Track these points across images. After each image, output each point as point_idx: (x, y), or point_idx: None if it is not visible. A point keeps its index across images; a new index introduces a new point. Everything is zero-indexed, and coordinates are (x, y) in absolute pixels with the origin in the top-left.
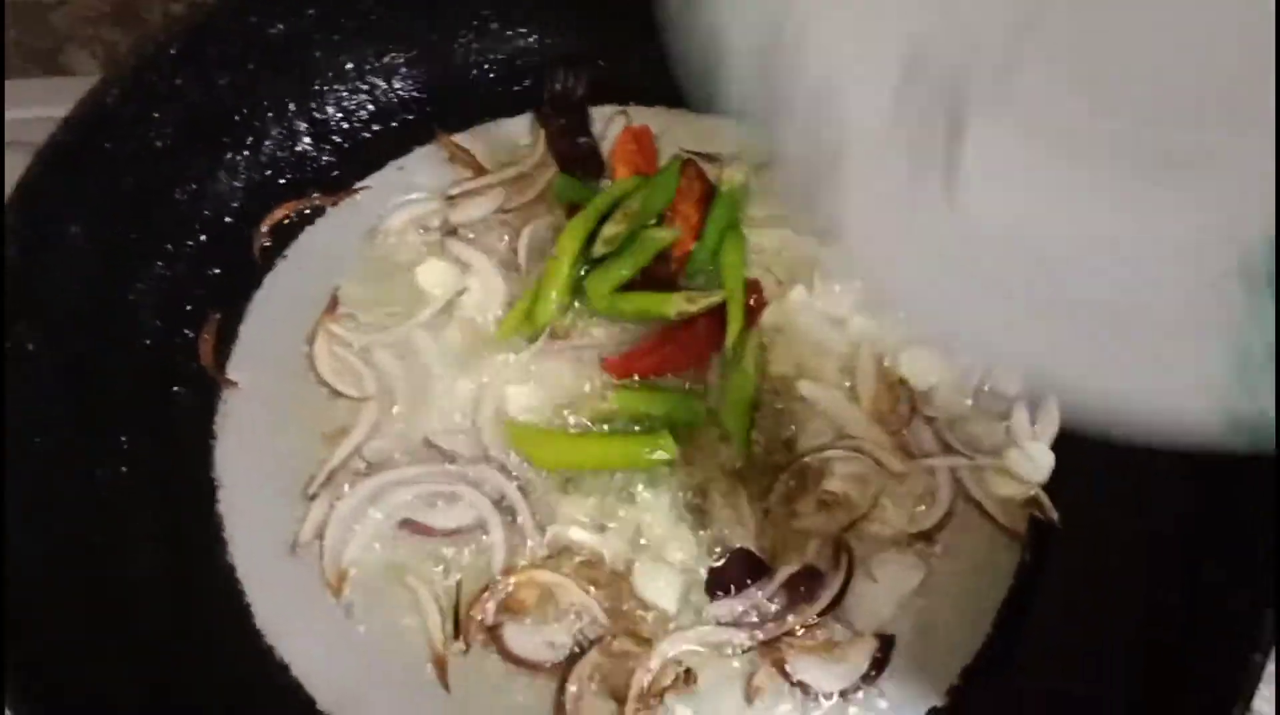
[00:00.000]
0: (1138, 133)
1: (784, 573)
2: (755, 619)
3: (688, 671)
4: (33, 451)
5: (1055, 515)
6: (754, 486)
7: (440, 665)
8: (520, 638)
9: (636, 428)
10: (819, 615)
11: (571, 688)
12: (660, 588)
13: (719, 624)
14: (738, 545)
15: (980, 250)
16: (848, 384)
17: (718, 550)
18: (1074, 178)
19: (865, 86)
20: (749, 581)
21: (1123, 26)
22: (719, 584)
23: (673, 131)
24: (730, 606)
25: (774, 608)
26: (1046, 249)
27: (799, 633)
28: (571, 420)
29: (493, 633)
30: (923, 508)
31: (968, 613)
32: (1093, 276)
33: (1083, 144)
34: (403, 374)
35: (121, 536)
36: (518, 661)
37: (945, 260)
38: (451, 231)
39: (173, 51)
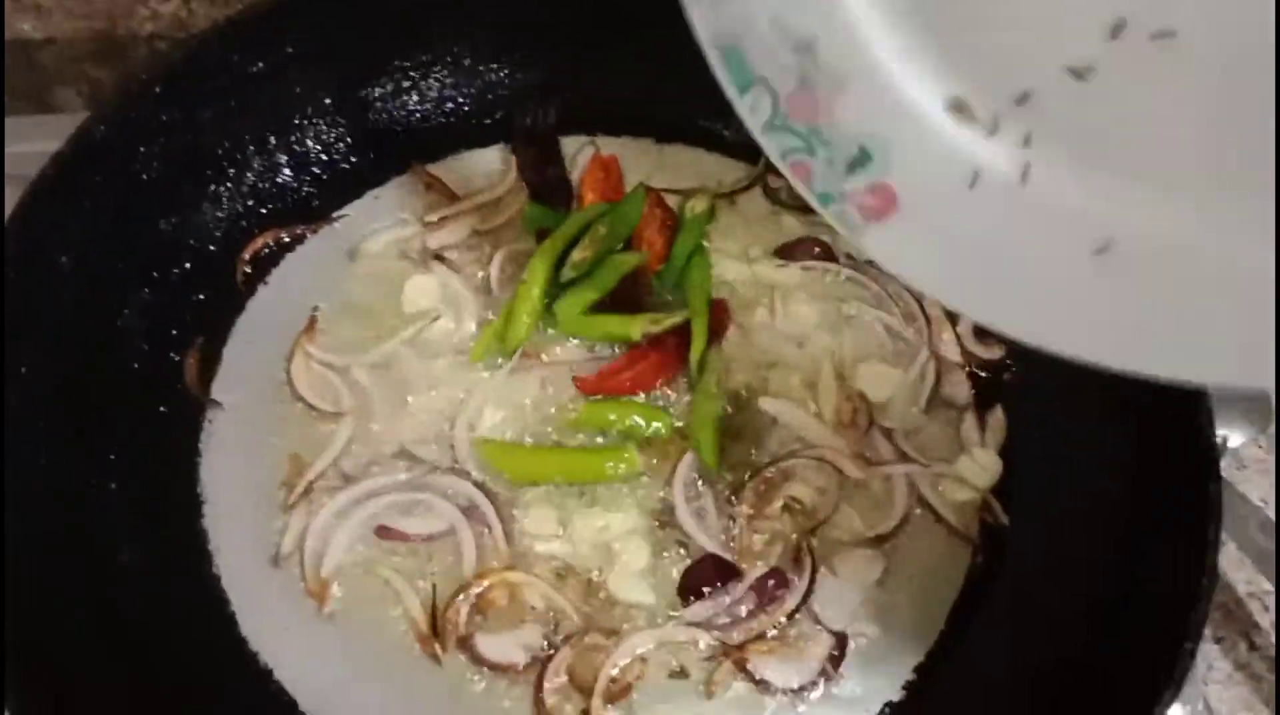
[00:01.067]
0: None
1: (752, 575)
2: (726, 620)
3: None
4: (25, 468)
5: (1005, 519)
6: (721, 494)
7: (429, 647)
8: (492, 645)
9: (601, 441)
10: (788, 616)
11: (548, 685)
12: (631, 586)
13: (689, 624)
14: (706, 550)
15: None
16: (810, 398)
17: (683, 553)
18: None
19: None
20: (719, 584)
21: None
22: (690, 587)
23: (638, 160)
24: (703, 608)
25: (744, 610)
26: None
27: (769, 634)
28: (541, 435)
29: (465, 643)
30: (880, 513)
31: (922, 612)
32: None
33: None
34: (378, 391)
35: (110, 548)
36: (492, 666)
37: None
38: (434, 256)
39: (158, 89)
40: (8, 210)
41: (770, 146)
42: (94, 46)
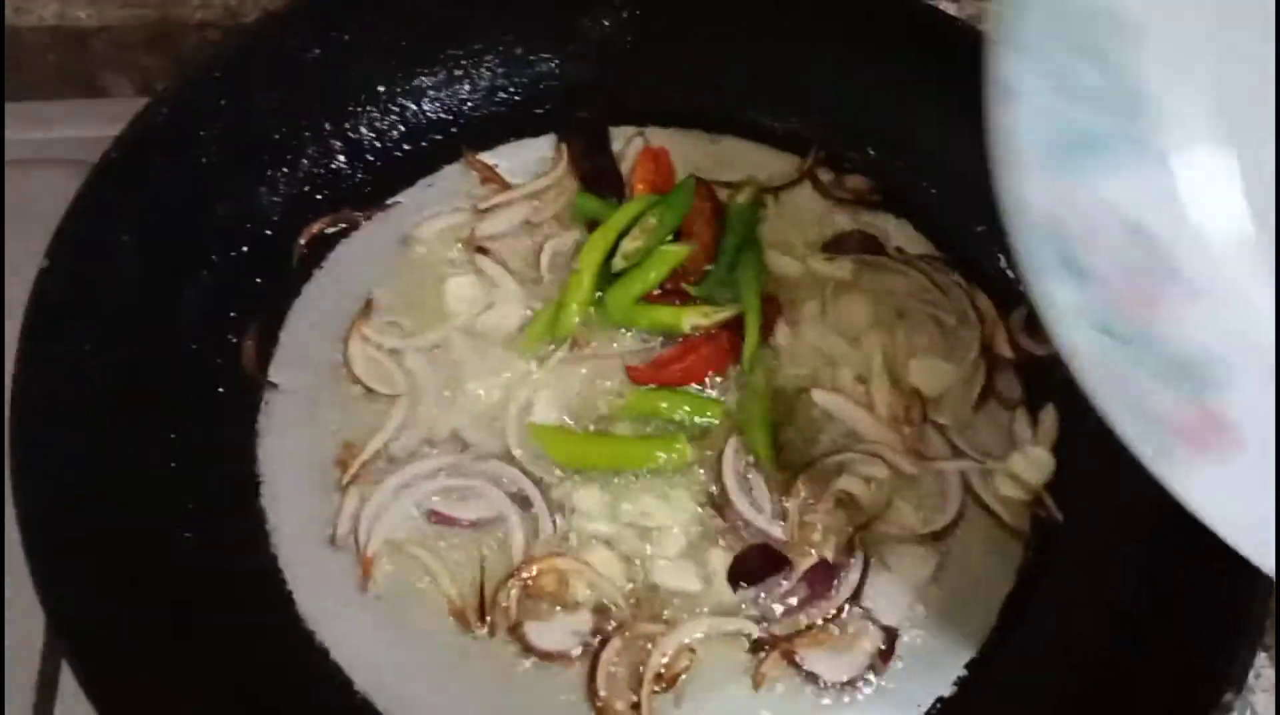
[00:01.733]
0: None
1: (803, 565)
2: (777, 611)
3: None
4: (86, 447)
5: (1059, 515)
6: (773, 483)
7: (468, 628)
8: (542, 633)
9: (649, 430)
10: (838, 610)
11: (601, 675)
12: (680, 575)
13: (738, 615)
14: (757, 539)
15: None
16: (862, 394)
17: (731, 542)
18: None
19: None
20: (769, 574)
21: None
22: (740, 575)
23: (688, 152)
24: (752, 596)
25: (794, 601)
26: None
27: (818, 624)
28: (591, 423)
29: (515, 632)
30: (934, 509)
31: (975, 607)
32: None
33: None
34: (431, 375)
35: (168, 528)
36: (542, 655)
37: None
38: (480, 248)
39: (217, 74)
40: (55, 193)
41: (1075, 344)
42: (145, 34)
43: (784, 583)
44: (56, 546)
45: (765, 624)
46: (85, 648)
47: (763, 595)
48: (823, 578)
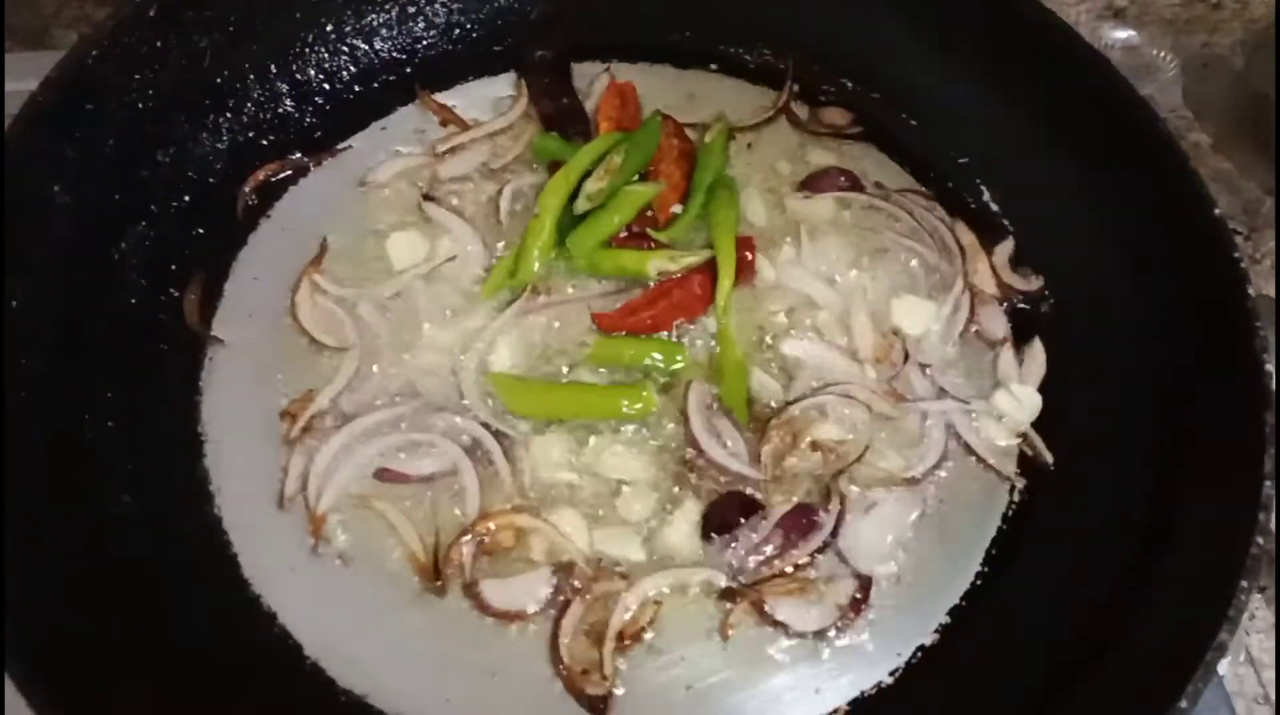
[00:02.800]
0: None
1: (777, 511)
2: (752, 559)
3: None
4: (19, 407)
5: (1048, 456)
6: (745, 429)
7: (429, 581)
8: (499, 591)
9: (614, 378)
10: (813, 553)
11: (563, 639)
12: (622, 543)
13: (706, 565)
14: (729, 486)
15: None
16: (842, 335)
17: (703, 491)
18: None
19: None
20: (743, 520)
21: None
22: (714, 525)
23: (656, 88)
24: (727, 546)
25: (769, 549)
26: None
27: (789, 571)
28: (554, 372)
29: (470, 590)
30: (916, 452)
31: (958, 553)
32: None
33: None
34: (384, 325)
35: (108, 490)
36: (498, 614)
37: None
38: (429, 196)
39: (151, 13)
40: None
41: None
42: None
43: (757, 531)
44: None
45: (737, 574)
46: (21, 615)
47: (736, 544)
48: (799, 525)
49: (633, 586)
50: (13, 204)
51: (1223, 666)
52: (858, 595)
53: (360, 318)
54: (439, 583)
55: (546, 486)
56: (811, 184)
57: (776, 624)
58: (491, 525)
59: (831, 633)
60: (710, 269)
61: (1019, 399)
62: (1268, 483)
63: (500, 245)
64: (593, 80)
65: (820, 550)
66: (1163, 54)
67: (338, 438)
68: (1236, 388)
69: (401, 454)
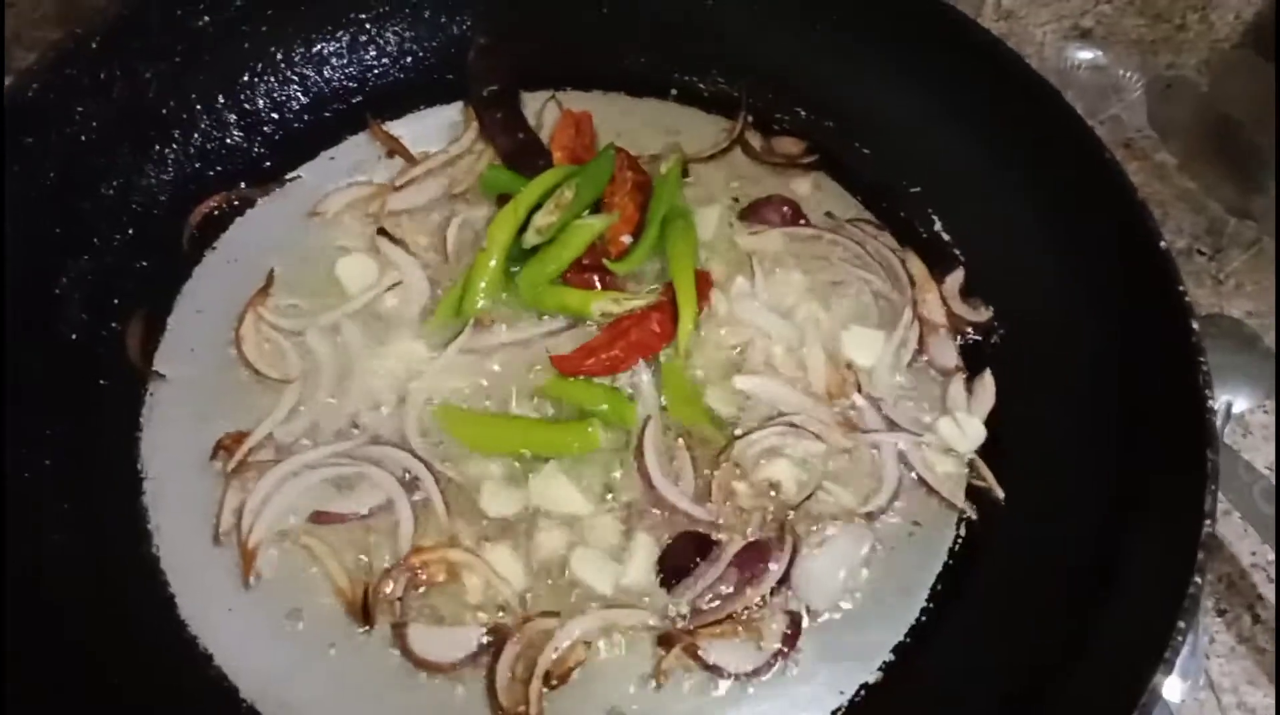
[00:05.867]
0: None
1: (731, 549)
2: (706, 598)
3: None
4: None
5: (997, 488)
6: (698, 467)
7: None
8: (426, 641)
9: (559, 412)
10: (767, 595)
11: (501, 680)
12: (596, 571)
13: (642, 607)
14: (681, 527)
15: None
16: (795, 369)
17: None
18: None
19: None
20: (698, 560)
21: None
22: (670, 566)
23: (607, 116)
24: (685, 589)
25: (725, 589)
26: None
27: (740, 612)
28: (498, 405)
29: (398, 631)
30: (871, 487)
31: (903, 588)
32: None
33: None
34: (328, 357)
35: (44, 528)
36: (423, 664)
37: None
38: (382, 231)
39: (94, 44)
40: None
41: None
42: (55, 9)
43: (714, 569)
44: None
45: (688, 616)
46: None
47: (692, 585)
48: (752, 562)
49: (563, 626)
50: None
51: (1179, 693)
52: (788, 631)
53: (305, 349)
54: (368, 622)
55: (486, 523)
56: (754, 213)
57: (710, 668)
58: (423, 559)
59: (766, 674)
60: (664, 306)
61: (962, 428)
62: (1208, 521)
63: (447, 280)
64: (543, 108)
65: (774, 590)
66: (1129, 74)
67: (274, 472)
68: (1180, 424)
69: (337, 490)
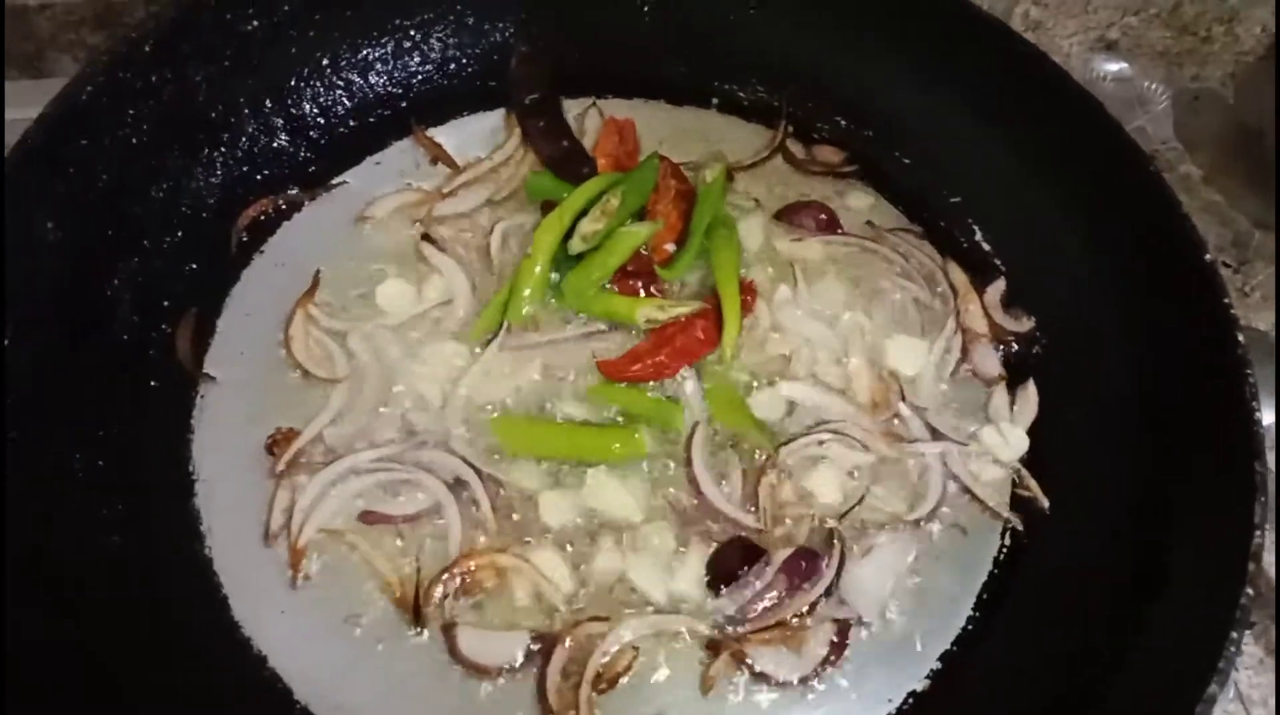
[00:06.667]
0: None
1: (779, 557)
2: (754, 606)
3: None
4: (7, 445)
5: (1042, 497)
6: (746, 475)
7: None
8: (475, 643)
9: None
10: (815, 601)
11: (552, 683)
12: (647, 577)
13: (693, 613)
14: (728, 534)
15: None
16: (838, 378)
17: (702, 536)
18: None
19: None
20: (745, 567)
21: None
22: (718, 574)
23: (649, 123)
24: (731, 593)
25: (772, 596)
26: None
27: (789, 620)
28: (543, 407)
29: (447, 632)
30: (916, 495)
31: (950, 597)
32: None
33: None
34: (374, 360)
35: (98, 530)
36: (471, 666)
37: None
38: (427, 236)
39: (147, 48)
40: None
41: None
42: (90, 11)
43: (760, 579)
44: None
45: (736, 622)
46: (5, 662)
47: (739, 592)
48: (800, 570)
49: (612, 631)
50: (5, 241)
51: None
52: (835, 639)
53: (351, 351)
54: (419, 624)
55: (534, 527)
56: (789, 217)
57: (758, 675)
58: (472, 564)
59: (814, 681)
60: (709, 313)
61: (1005, 437)
62: (1258, 532)
63: (490, 282)
64: (583, 115)
65: (821, 598)
66: (1154, 86)
67: (323, 474)
68: (1227, 435)
69: (385, 492)
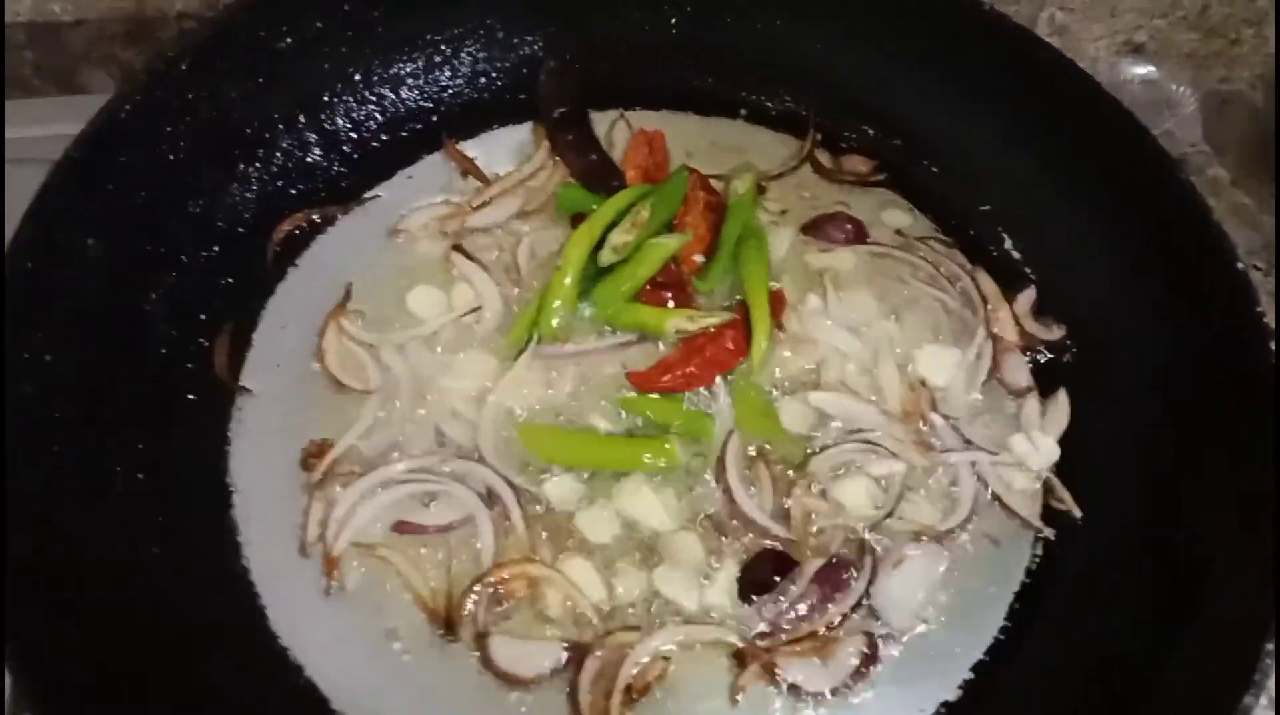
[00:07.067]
0: None
1: (811, 567)
2: (786, 617)
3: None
4: (48, 458)
5: (1075, 507)
6: (778, 486)
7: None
8: (508, 653)
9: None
10: (847, 612)
11: (584, 693)
12: (679, 587)
13: (721, 624)
14: (760, 544)
15: None
16: (869, 387)
17: (734, 546)
18: None
19: None
20: (778, 578)
21: None
22: (752, 584)
23: (677, 135)
24: (764, 604)
25: (803, 606)
26: None
27: (820, 631)
28: (572, 419)
29: (481, 641)
30: (948, 505)
31: (982, 606)
32: None
33: None
34: (405, 372)
35: (136, 541)
36: (504, 677)
37: None
38: (458, 247)
39: (184, 66)
40: (29, 192)
41: None
42: (123, 27)
43: (793, 588)
44: (20, 560)
45: (767, 634)
46: (43, 678)
47: (772, 603)
48: (832, 581)
49: (642, 641)
50: (47, 257)
51: None
52: (866, 651)
53: (384, 363)
54: (452, 634)
55: (565, 538)
56: (816, 229)
57: (788, 686)
58: (504, 574)
59: (845, 693)
60: (738, 324)
61: (1036, 446)
62: None
63: (519, 295)
64: (612, 127)
65: (854, 608)
66: (1182, 89)
67: (357, 485)
68: (1260, 442)
69: (419, 503)
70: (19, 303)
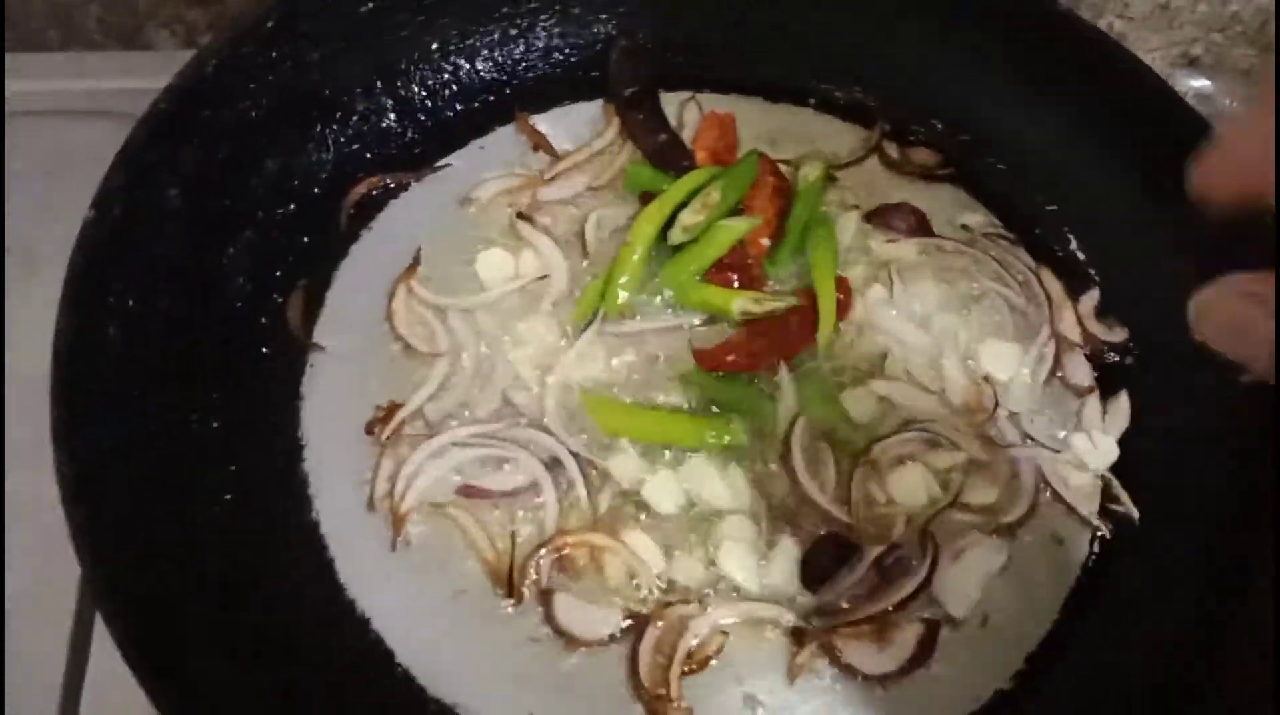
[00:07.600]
0: None
1: (871, 552)
2: (844, 600)
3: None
4: (129, 404)
5: (1132, 507)
6: (841, 471)
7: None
8: (572, 612)
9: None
10: (905, 599)
11: (644, 661)
12: (741, 565)
13: (781, 602)
14: (821, 528)
15: None
16: (932, 380)
17: (795, 529)
18: None
19: None
20: (838, 562)
21: None
22: (813, 571)
23: (745, 120)
24: (827, 592)
25: (863, 592)
26: None
27: (875, 615)
28: (636, 393)
29: (545, 597)
30: (1008, 499)
31: (1038, 599)
32: None
33: None
34: (472, 338)
35: (211, 489)
36: (566, 635)
37: None
38: (523, 215)
39: (269, 25)
40: (102, 143)
41: None
42: None
43: (853, 574)
44: (98, 505)
45: (821, 614)
46: (126, 611)
47: (832, 587)
48: (892, 567)
49: (704, 613)
50: (133, 208)
51: None
52: (924, 638)
53: (451, 327)
54: (515, 594)
55: (626, 508)
56: (879, 218)
57: (845, 668)
58: (567, 542)
59: (901, 678)
60: (804, 310)
61: (1096, 445)
62: None
63: (586, 267)
64: (681, 109)
65: (916, 593)
66: (1235, 104)
67: (424, 446)
68: None
69: (484, 467)
70: (106, 248)
